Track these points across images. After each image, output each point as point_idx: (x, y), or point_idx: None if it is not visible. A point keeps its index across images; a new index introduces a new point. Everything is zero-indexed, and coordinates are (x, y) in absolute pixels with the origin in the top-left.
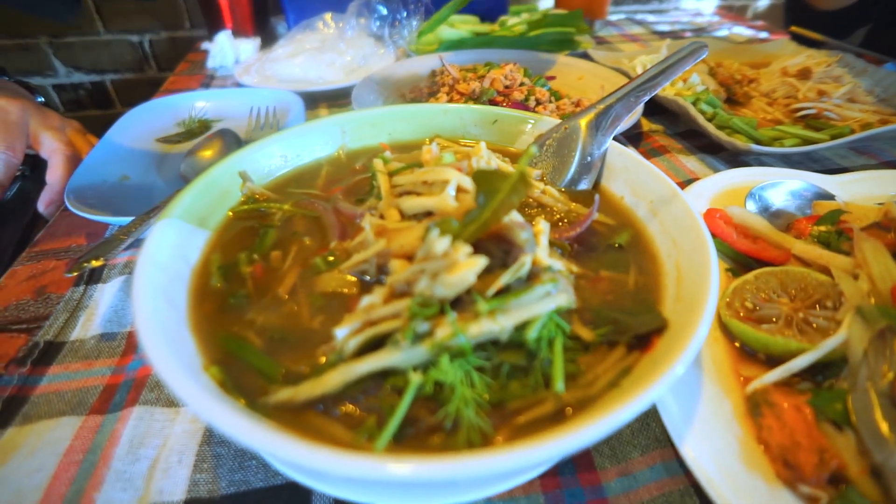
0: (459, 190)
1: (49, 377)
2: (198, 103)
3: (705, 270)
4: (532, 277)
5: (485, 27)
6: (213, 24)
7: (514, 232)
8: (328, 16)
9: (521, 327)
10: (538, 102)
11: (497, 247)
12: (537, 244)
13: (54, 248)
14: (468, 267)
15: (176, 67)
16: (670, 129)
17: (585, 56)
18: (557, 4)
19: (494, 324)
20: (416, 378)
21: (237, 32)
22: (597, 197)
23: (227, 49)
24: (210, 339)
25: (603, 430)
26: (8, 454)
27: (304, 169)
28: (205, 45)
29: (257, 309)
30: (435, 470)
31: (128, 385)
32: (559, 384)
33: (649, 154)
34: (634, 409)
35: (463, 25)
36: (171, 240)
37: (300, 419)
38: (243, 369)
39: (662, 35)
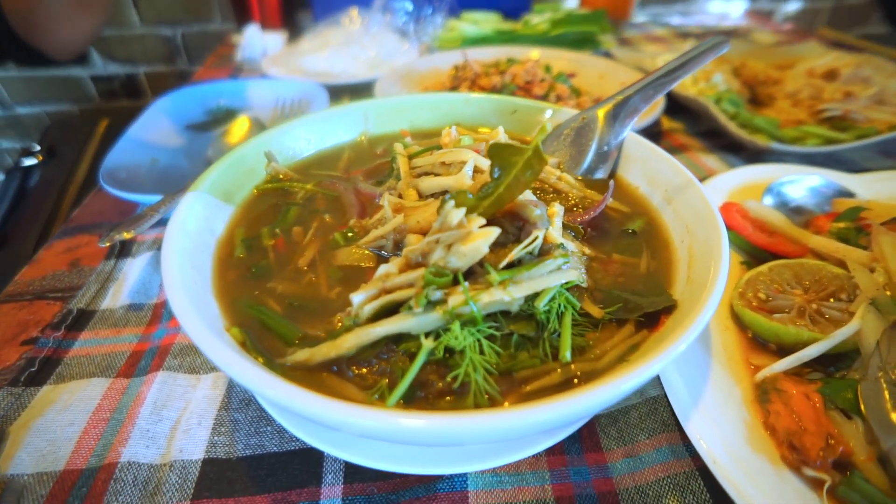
0: (476, 170)
1: (81, 342)
2: (225, 93)
3: (716, 253)
4: (544, 253)
5: (507, 25)
6: (242, 18)
7: (527, 209)
8: (354, 11)
9: (532, 299)
10: (559, 98)
11: (511, 223)
12: (551, 224)
13: (87, 224)
14: (481, 237)
15: (205, 60)
16: (691, 127)
17: (607, 55)
18: (582, 4)
19: (505, 294)
20: (427, 343)
21: (265, 26)
22: (611, 183)
23: (255, 41)
24: (232, 304)
25: (604, 398)
26: (44, 408)
27: (327, 152)
28: (234, 39)
29: (278, 278)
30: (443, 425)
31: (153, 352)
32: (566, 353)
33: (669, 152)
34: (636, 380)
35: (486, 23)
36: (198, 211)
37: (315, 379)
38: (263, 332)
39: (687, 37)
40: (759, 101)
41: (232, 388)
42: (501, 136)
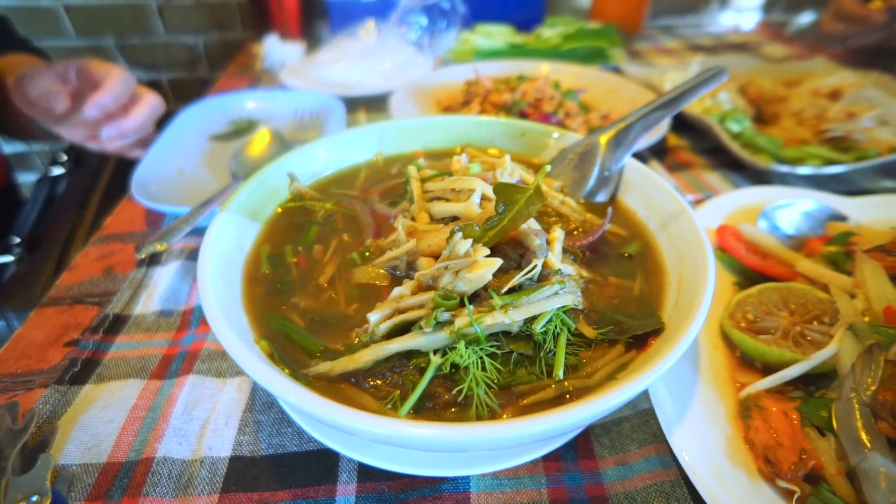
0: (484, 198)
1: (117, 345)
2: (247, 104)
3: (702, 281)
4: (543, 279)
5: (520, 38)
6: (263, 27)
7: (529, 238)
8: (371, 23)
9: (530, 321)
10: (567, 114)
11: (514, 250)
12: (551, 250)
13: (119, 233)
14: (486, 266)
15: (225, 67)
16: (697, 145)
17: (616, 70)
18: (593, 16)
19: (506, 317)
20: (436, 359)
21: (284, 35)
22: (609, 210)
23: (274, 51)
24: (260, 318)
25: (591, 413)
26: (87, 405)
27: (345, 171)
28: (254, 48)
29: (300, 294)
30: (447, 433)
31: (182, 356)
32: (559, 372)
33: (673, 169)
34: (622, 397)
35: (499, 36)
36: (229, 231)
37: (335, 389)
38: (288, 344)
39: (698, 50)
40: (764, 119)
41: (255, 391)
42: (507, 164)
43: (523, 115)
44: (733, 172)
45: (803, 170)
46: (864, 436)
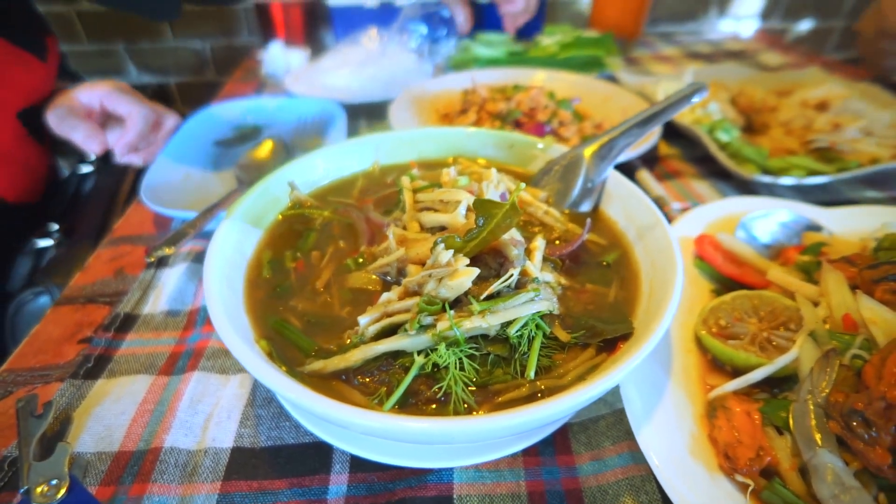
0: (469, 209)
1: (127, 342)
2: (251, 110)
3: (670, 288)
4: (521, 286)
5: (519, 46)
6: (268, 34)
7: (508, 248)
8: (373, 30)
9: (507, 325)
10: (561, 123)
11: (494, 259)
12: (531, 260)
13: (129, 236)
14: (465, 275)
15: (231, 71)
16: (687, 153)
17: (612, 78)
18: (592, 24)
19: (483, 321)
20: (419, 359)
21: (289, 41)
22: (588, 221)
23: (278, 58)
24: (260, 319)
25: (559, 410)
26: (101, 398)
27: (343, 180)
28: (259, 54)
29: (298, 298)
30: (426, 426)
31: (188, 354)
32: (530, 372)
33: (663, 177)
34: (588, 395)
35: (499, 44)
36: (233, 237)
37: (327, 385)
38: (285, 344)
39: (696, 57)
40: (754, 129)
41: (256, 388)
42: (493, 177)
43: (518, 125)
44: (721, 181)
45: (786, 180)
46: (816, 435)
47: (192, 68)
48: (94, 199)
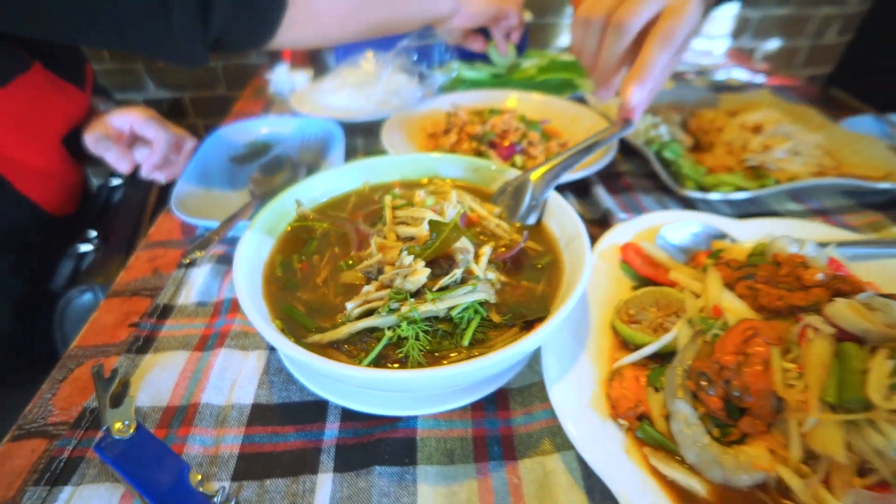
0: None
1: (167, 326)
2: (261, 128)
3: (577, 285)
4: (465, 281)
5: (501, 69)
6: (275, 54)
7: (456, 254)
8: (370, 53)
9: (452, 309)
10: (530, 143)
11: (446, 262)
12: (478, 262)
13: (161, 240)
14: (422, 273)
15: (241, 87)
16: (640, 169)
17: (581, 99)
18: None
19: (434, 306)
20: (388, 333)
21: (294, 63)
22: (525, 232)
23: (283, 79)
24: (274, 305)
25: (483, 365)
26: (150, 368)
27: (339, 197)
28: (267, 73)
29: (303, 290)
30: (392, 375)
31: (216, 336)
32: (465, 342)
33: (616, 190)
34: (504, 355)
35: (483, 68)
36: (253, 244)
37: (323, 351)
38: (293, 324)
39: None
40: (702, 147)
41: (270, 361)
42: (453, 199)
43: (493, 145)
44: (665, 196)
45: (713, 195)
46: (679, 391)
47: (205, 84)
48: (125, 209)
